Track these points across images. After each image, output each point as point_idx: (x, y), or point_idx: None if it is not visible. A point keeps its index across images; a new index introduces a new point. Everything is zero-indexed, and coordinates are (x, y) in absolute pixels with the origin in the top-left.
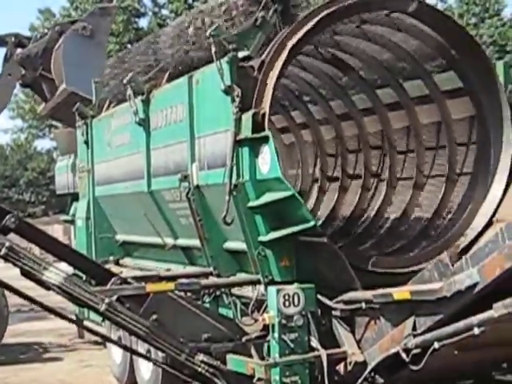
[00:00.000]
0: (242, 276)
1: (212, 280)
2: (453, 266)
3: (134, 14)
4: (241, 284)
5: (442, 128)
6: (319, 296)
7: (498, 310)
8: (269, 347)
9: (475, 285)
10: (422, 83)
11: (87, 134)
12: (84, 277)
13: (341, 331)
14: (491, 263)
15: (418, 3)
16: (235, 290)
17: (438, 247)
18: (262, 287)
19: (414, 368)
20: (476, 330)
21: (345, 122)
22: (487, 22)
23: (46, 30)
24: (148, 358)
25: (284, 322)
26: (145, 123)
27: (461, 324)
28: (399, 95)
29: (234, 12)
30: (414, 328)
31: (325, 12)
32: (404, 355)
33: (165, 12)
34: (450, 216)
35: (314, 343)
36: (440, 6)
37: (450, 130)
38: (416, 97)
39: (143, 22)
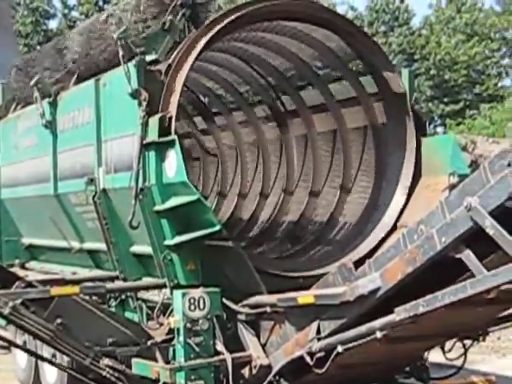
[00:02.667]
0: (147, 280)
1: (118, 284)
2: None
3: (43, 16)
4: (147, 288)
5: (366, 133)
6: (225, 300)
7: (399, 313)
8: (174, 351)
9: (378, 289)
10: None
11: None
12: None
13: (246, 335)
14: (393, 268)
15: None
16: (141, 294)
17: (344, 253)
18: (167, 291)
19: (318, 371)
20: (378, 334)
21: (244, 129)
22: (396, 30)
23: None
24: (53, 363)
25: (189, 325)
26: (52, 126)
27: (363, 328)
28: (326, 98)
29: (143, 15)
30: (319, 332)
31: (232, 16)
32: (308, 359)
33: (75, 14)
34: (349, 221)
35: (220, 347)
36: (350, 14)
37: (377, 136)
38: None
39: (53, 24)
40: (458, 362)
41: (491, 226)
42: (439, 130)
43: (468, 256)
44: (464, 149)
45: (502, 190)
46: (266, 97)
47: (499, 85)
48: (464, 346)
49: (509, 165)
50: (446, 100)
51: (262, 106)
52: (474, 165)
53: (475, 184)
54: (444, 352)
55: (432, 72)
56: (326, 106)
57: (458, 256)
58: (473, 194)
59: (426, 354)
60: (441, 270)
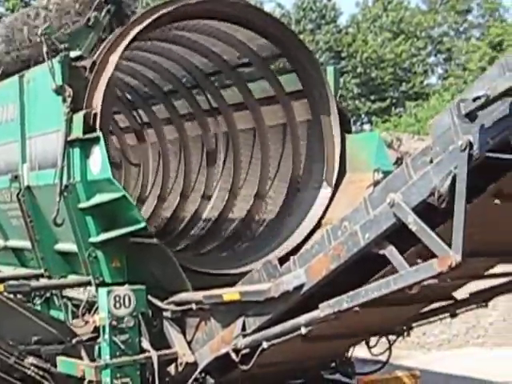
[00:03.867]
0: (73, 278)
1: (42, 282)
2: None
3: None
4: (72, 286)
5: (285, 131)
6: (150, 297)
7: (323, 309)
8: (99, 349)
9: (302, 285)
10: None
11: None
12: None
13: (172, 332)
14: (317, 264)
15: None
16: (66, 292)
17: (270, 249)
18: (93, 289)
19: (244, 368)
20: (303, 330)
21: (167, 126)
22: (324, 28)
23: None
24: None
25: (114, 323)
26: None
27: (288, 324)
28: (245, 97)
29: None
30: (244, 328)
31: (159, 13)
32: (234, 355)
33: (0, 9)
34: (274, 218)
35: (145, 344)
36: (278, 12)
37: (294, 133)
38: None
39: None
40: (384, 357)
41: (414, 222)
42: (366, 127)
43: (391, 252)
44: (390, 146)
45: (424, 187)
46: (187, 95)
47: (425, 83)
48: (389, 341)
49: (431, 161)
50: (372, 97)
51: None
52: (400, 162)
53: (398, 180)
54: (369, 347)
55: (359, 70)
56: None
57: (381, 252)
58: (396, 190)
59: (350, 349)
60: (365, 265)
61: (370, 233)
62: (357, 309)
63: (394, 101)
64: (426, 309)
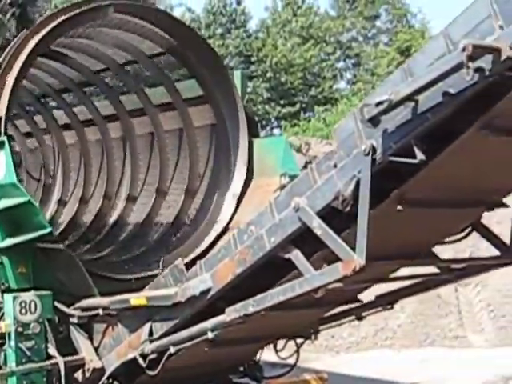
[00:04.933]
0: None
1: None
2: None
3: None
4: None
5: (184, 136)
6: (57, 303)
7: (229, 313)
8: (5, 356)
9: (209, 290)
10: (165, 90)
11: None
12: None
13: (79, 338)
14: (224, 268)
15: (156, 11)
16: None
17: (177, 254)
18: None
19: (151, 373)
20: (210, 334)
21: (88, 127)
22: (234, 32)
23: None
24: None
25: (20, 329)
26: None
27: (195, 328)
28: (143, 102)
29: None
30: (151, 333)
31: (65, 16)
32: (141, 360)
33: None
34: (181, 223)
35: (52, 351)
36: (188, 16)
37: (192, 139)
38: (160, 104)
39: None
40: (292, 361)
41: (319, 227)
42: (276, 131)
43: (296, 256)
44: (298, 150)
45: (328, 191)
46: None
47: (334, 87)
48: (296, 344)
49: (335, 166)
50: (282, 102)
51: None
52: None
53: (303, 185)
54: (276, 351)
55: (269, 74)
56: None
57: (287, 256)
58: (301, 194)
59: (259, 353)
60: (271, 269)
61: (276, 237)
62: (263, 312)
63: (304, 105)
64: (332, 312)
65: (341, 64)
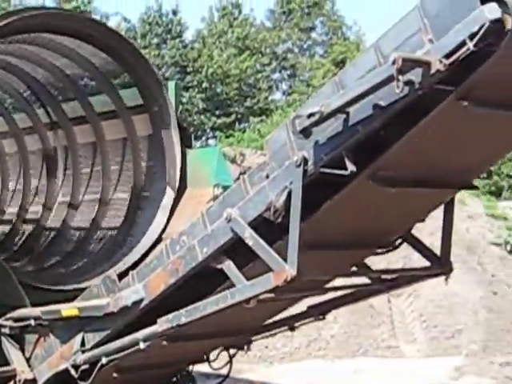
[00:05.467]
0: None
1: None
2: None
3: None
4: None
5: (126, 145)
6: None
7: (161, 324)
8: None
9: (141, 300)
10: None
11: None
12: None
13: (10, 349)
14: (156, 279)
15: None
16: None
17: (105, 263)
18: None
19: None
20: (142, 345)
21: (28, 135)
22: (169, 43)
23: None
24: None
25: None
26: None
27: (127, 339)
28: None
29: None
30: (83, 344)
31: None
32: (73, 371)
33: None
34: (113, 233)
35: None
36: (123, 26)
37: (134, 148)
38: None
39: None
40: (225, 371)
41: (250, 237)
42: (211, 142)
43: (229, 266)
44: (233, 161)
45: (260, 202)
46: (28, 108)
47: (270, 98)
48: (229, 354)
49: (267, 177)
50: (217, 113)
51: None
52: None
53: (235, 195)
54: (209, 362)
55: (204, 85)
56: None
57: (219, 266)
58: (233, 205)
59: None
60: (205, 280)
61: (208, 247)
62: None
63: (239, 116)
64: (265, 322)
65: (276, 75)
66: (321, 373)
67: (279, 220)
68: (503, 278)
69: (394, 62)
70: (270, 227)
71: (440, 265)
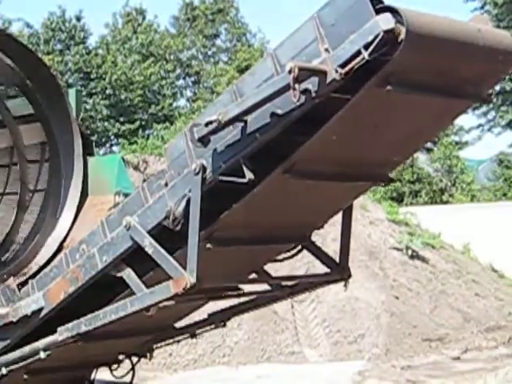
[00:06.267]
0: None
1: None
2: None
3: None
4: None
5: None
6: None
7: (61, 333)
8: None
9: (41, 309)
10: None
11: None
12: None
13: None
14: (56, 288)
15: None
16: None
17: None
18: None
19: None
20: (42, 354)
21: None
22: (73, 49)
23: None
24: None
25: None
26: None
27: (27, 348)
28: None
29: None
30: None
31: None
32: None
33: None
34: (17, 241)
35: None
36: (26, 32)
37: (22, 157)
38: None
39: None
40: (128, 379)
41: (150, 245)
42: (115, 149)
43: (129, 274)
44: (136, 168)
45: (159, 210)
46: None
47: (174, 105)
48: (132, 362)
49: (166, 185)
50: (122, 119)
51: None
52: None
53: (135, 203)
54: (111, 370)
55: (108, 91)
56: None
57: (119, 274)
58: (132, 213)
59: (93, 372)
60: (105, 288)
61: (108, 255)
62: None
63: (143, 123)
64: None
65: (181, 82)
66: (225, 379)
67: (178, 228)
68: (404, 282)
69: (290, 71)
70: (171, 235)
71: (339, 271)
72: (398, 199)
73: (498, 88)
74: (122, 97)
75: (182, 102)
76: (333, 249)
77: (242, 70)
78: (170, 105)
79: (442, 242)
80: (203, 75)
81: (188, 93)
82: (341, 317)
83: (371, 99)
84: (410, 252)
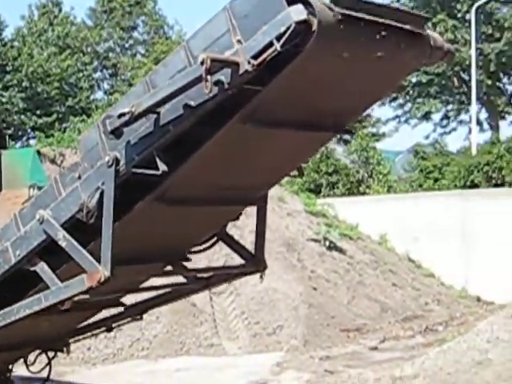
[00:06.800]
0: None
1: None
2: None
3: None
4: None
5: None
6: None
7: None
8: None
9: None
10: None
11: None
12: None
13: None
14: None
15: None
16: None
17: None
18: None
19: None
20: None
21: None
22: None
23: None
24: None
25: None
26: None
27: None
28: None
29: None
30: None
31: None
32: None
33: None
34: None
35: None
36: None
37: None
38: None
39: None
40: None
41: (63, 239)
42: (32, 142)
43: (42, 268)
44: (53, 161)
45: (72, 203)
46: None
47: (91, 98)
48: (48, 357)
49: (79, 177)
50: (38, 112)
51: None
52: None
53: (48, 197)
54: (27, 365)
55: (24, 84)
56: None
57: (33, 269)
58: (46, 206)
59: (10, 367)
60: (19, 283)
61: (21, 250)
62: None
63: (60, 116)
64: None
65: (98, 74)
66: (144, 373)
67: (92, 221)
68: (322, 273)
69: (202, 63)
70: (85, 228)
71: (254, 262)
72: (316, 191)
73: (414, 80)
74: (39, 89)
75: (99, 94)
76: (250, 240)
77: (159, 63)
78: (87, 97)
79: (360, 233)
80: (120, 68)
81: (105, 85)
82: (259, 309)
83: (280, 91)
84: (327, 243)
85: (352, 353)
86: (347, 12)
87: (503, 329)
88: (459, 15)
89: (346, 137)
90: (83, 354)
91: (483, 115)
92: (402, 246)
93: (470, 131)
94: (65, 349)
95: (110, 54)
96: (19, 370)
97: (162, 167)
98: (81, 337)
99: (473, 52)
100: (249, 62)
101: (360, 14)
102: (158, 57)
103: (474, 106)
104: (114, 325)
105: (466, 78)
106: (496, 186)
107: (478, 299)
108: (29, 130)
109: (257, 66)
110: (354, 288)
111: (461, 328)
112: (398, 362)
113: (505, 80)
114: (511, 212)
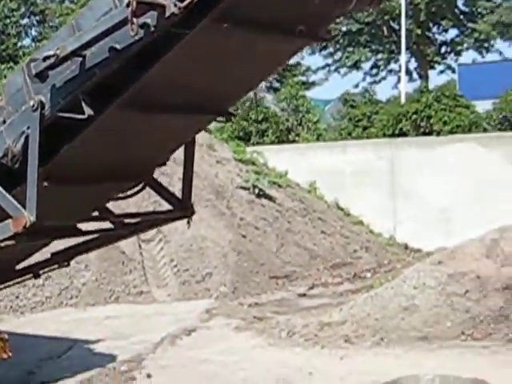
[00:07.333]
0: None
1: None
2: None
3: None
4: None
5: None
6: None
7: None
8: None
9: None
10: None
11: None
12: None
13: None
14: None
15: None
16: None
17: None
18: None
19: None
20: None
21: None
22: None
23: None
24: None
25: None
26: None
27: None
28: None
29: None
30: None
31: None
32: None
33: None
34: None
35: None
36: None
37: None
38: None
39: None
40: None
41: None
42: None
43: None
44: None
45: None
46: None
47: (19, 45)
48: None
49: (4, 122)
50: None
51: None
52: None
53: None
54: None
55: None
56: None
57: None
58: None
59: None
60: None
61: None
62: None
63: None
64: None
65: (25, 21)
66: (73, 321)
67: (17, 166)
68: (251, 221)
69: (128, 5)
70: (9, 173)
71: (182, 208)
72: (245, 138)
73: (344, 29)
74: None
75: (27, 41)
76: (178, 188)
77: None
78: (15, 44)
79: (289, 181)
80: (49, 14)
81: (33, 32)
82: (188, 256)
83: (208, 35)
84: (256, 191)
85: (281, 299)
86: None
87: (429, 275)
88: None
89: (276, 85)
90: (11, 302)
91: (413, 65)
92: (331, 193)
93: (399, 80)
94: None
95: (38, 0)
96: None
97: (88, 111)
98: (7, 284)
99: (403, 1)
100: (175, 5)
101: None
102: (86, 3)
103: (404, 56)
104: (41, 272)
105: (396, 27)
106: (424, 134)
107: (406, 247)
108: None
109: (183, 8)
110: (282, 235)
111: (388, 275)
112: (327, 308)
113: (434, 30)
114: (438, 160)
